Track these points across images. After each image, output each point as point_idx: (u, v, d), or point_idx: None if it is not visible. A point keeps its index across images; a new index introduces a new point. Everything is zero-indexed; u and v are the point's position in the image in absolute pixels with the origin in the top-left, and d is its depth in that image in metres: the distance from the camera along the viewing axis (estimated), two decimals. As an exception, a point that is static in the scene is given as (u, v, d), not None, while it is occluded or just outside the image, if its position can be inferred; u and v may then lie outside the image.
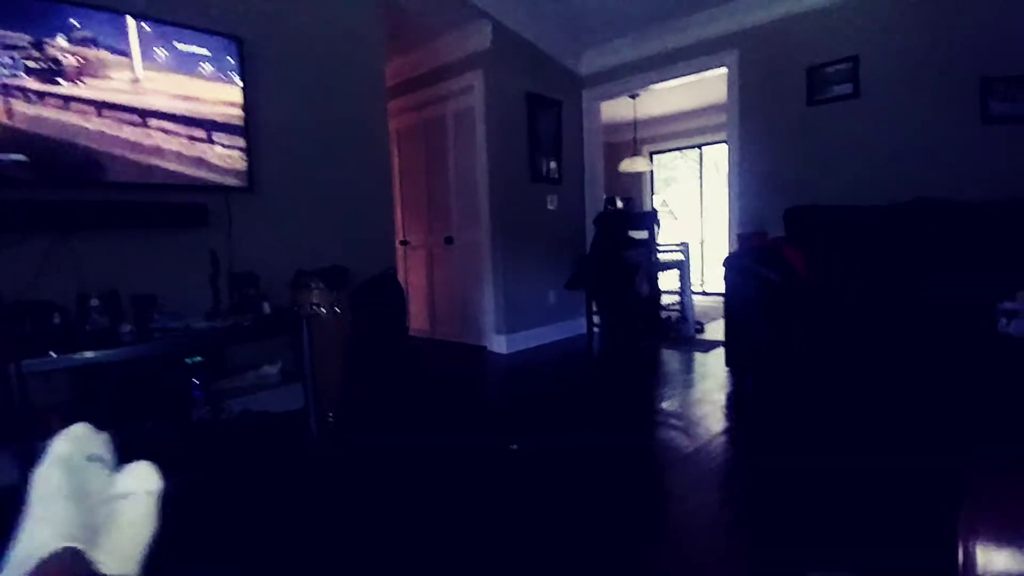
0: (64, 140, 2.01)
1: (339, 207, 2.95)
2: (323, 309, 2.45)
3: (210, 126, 2.37)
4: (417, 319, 4.60)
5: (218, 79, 2.39)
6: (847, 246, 2.93)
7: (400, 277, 3.41)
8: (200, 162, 2.35)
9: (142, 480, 0.52)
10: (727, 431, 2.32)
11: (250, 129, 2.50)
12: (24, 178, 1.94)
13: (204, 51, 2.34)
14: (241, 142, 2.46)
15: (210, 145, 2.38)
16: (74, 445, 0.52)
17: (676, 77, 4.18)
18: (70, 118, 2.02)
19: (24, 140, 1.92)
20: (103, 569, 0.45)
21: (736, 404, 2.71)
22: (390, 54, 3.38)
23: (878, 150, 3.21)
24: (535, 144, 4.21)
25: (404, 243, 4.70)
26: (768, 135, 3.69)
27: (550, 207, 4.41)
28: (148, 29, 2.17)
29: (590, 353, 4.04)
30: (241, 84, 2.45)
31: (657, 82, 4.30)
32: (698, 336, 4.33)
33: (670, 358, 3.75)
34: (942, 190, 2.85)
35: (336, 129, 2.94)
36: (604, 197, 5.00)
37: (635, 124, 6.35)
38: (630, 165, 6.26)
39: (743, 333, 2.91)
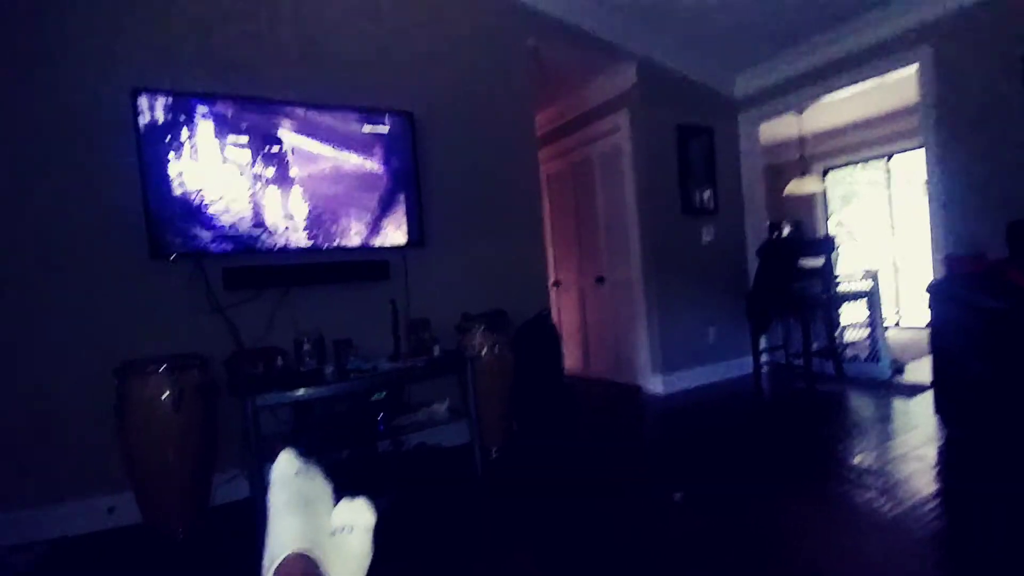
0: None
1: (497, 253, 3.17)
2: (485, 350, 2.64)
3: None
4: (571, 358, 4.64)
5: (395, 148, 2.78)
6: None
7: (553, 318, 3.51)
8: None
9: (360, 515, 0.62)
10: (940, 494, 1.92)
11: (421, 190, 2.85)
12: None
13: (386, 128, 2.75)
14: (414, 203, 2.82)
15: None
16: (282, 467, 0.66)
17: (849, 86, 3.75)
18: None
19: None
20: None
21: (951, 461, 2.23)
22: (536, 107, 3.60)
23: None
24: (686, 175, 4.08)
25: (556, 284, 4.84)
26: (978, 137, 3.09)
27: (706, 239, 4.19)
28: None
29: (759, 396, 3.68)
30: (412, 152, 2.81)
31: (825, 94, 3.90)
32: (896, 378, 3.67)
33: (860, 404, 3.24)
34: None
35: (492, 183, 3.19)
36: (767, 224, 4.61)
37: (801, 141, 5.78)
38: (798, 186, 5.69)
39: (957, 374, 2.41)
